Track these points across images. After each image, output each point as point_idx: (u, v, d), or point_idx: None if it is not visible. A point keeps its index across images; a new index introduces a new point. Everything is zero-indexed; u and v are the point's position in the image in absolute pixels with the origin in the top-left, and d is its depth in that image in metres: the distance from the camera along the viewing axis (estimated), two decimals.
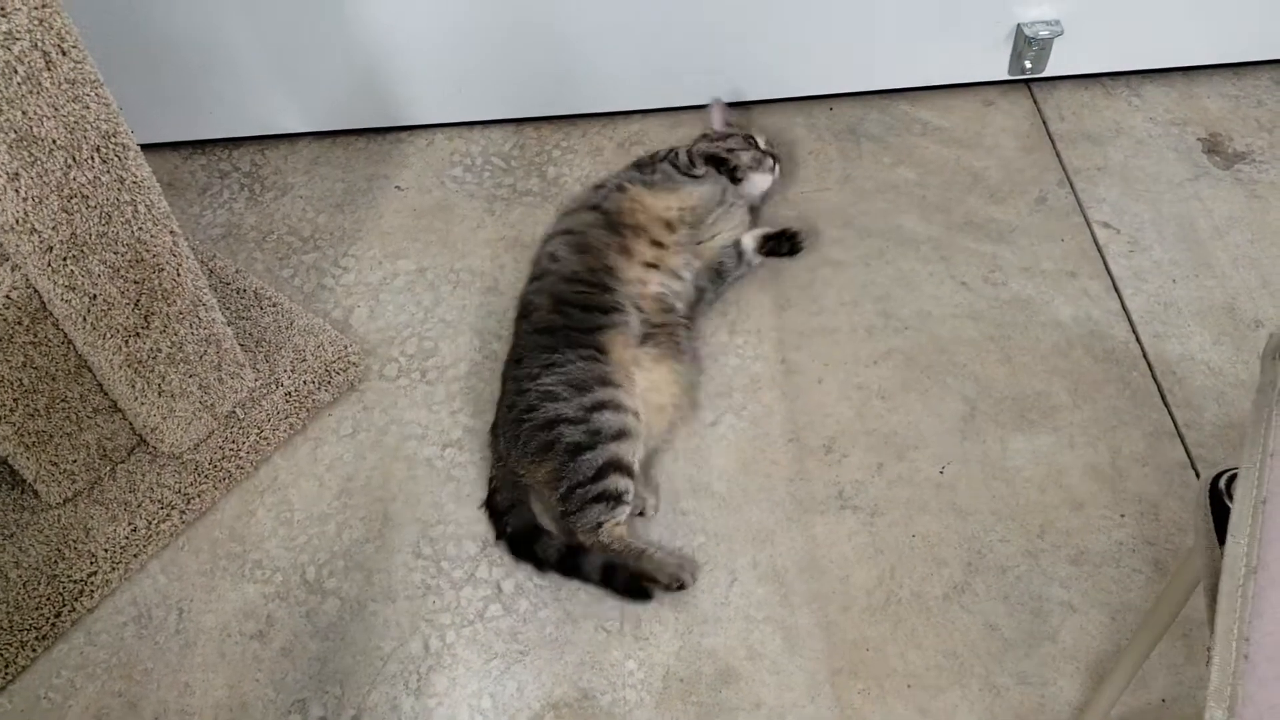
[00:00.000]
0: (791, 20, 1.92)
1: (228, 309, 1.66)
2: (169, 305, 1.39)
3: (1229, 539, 0.70)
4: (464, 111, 2.04)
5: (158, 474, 1.50)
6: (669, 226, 1.67)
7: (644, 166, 1.79)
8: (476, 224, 1.89)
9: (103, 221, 1.25)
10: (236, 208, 1.93)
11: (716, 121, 1.91)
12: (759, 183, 1.83)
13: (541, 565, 1.46)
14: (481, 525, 1.51)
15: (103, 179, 1.23)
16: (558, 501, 1.45)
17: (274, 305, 1.68)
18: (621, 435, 1.47)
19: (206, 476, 1.53)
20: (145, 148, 1.98)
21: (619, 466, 1.45)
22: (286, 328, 1.66)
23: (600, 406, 1.47)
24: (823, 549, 1.47)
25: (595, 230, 1.65)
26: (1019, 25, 1.93)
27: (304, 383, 1.60)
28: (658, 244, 1.65)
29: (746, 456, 1.57)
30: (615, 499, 1.44)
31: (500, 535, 1.48)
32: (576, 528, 1.44)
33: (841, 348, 1.69)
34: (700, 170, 1.77)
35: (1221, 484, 0.89)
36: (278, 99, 1.97)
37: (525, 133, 2.05)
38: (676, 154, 1.79)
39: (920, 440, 1.58)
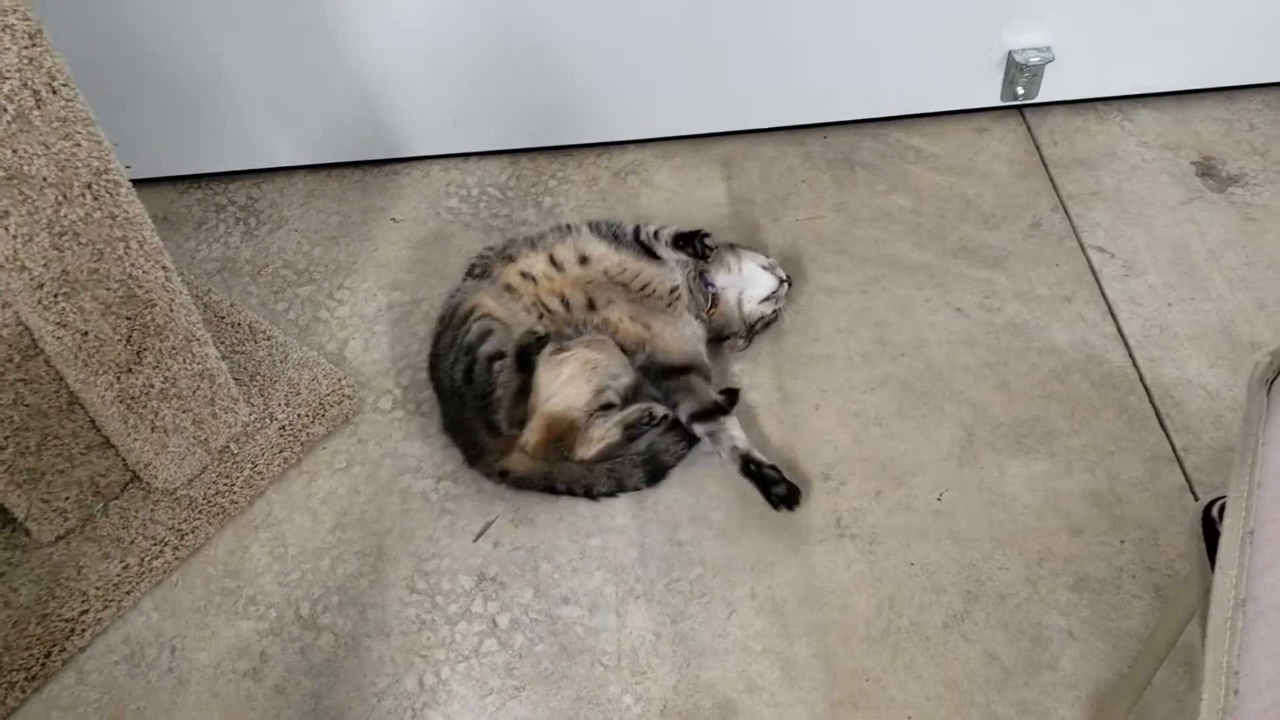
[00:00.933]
0: (785, 50, 1.93)
1: (222, 343, 1.66)
2: (162, 341, 1.38)
3: (1217, 571, 0.69)
4: (460, 143, 2.04)
5: (151, 510, 1.50)
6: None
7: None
8: (472, 255, 1.88)
9: (94, 258, 1.25)
10: (232, 241, 1.94)
11: None
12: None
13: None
14: (478, 559, 1.50)
15: (94, 216, 1.23)
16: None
17: (268, 339, 1.68)
18: (486, 336, 1.55)
19: (200, 512, 1.52)
20: (141, 183, 1.99)
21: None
22: (281, 361, 1.65)
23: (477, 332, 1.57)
24: (821, 578, 1.46)
25: None
26: (1010, 52, 1.94)
27: (298, 416, 1.60)
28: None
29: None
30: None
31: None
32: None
33: (838, 375, 1.69)
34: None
35: (1214, 511, 0.88)
36: (273, 133, 1.97)
37: (521, 164, 2.05)
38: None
39: (918, 467, 1.57)
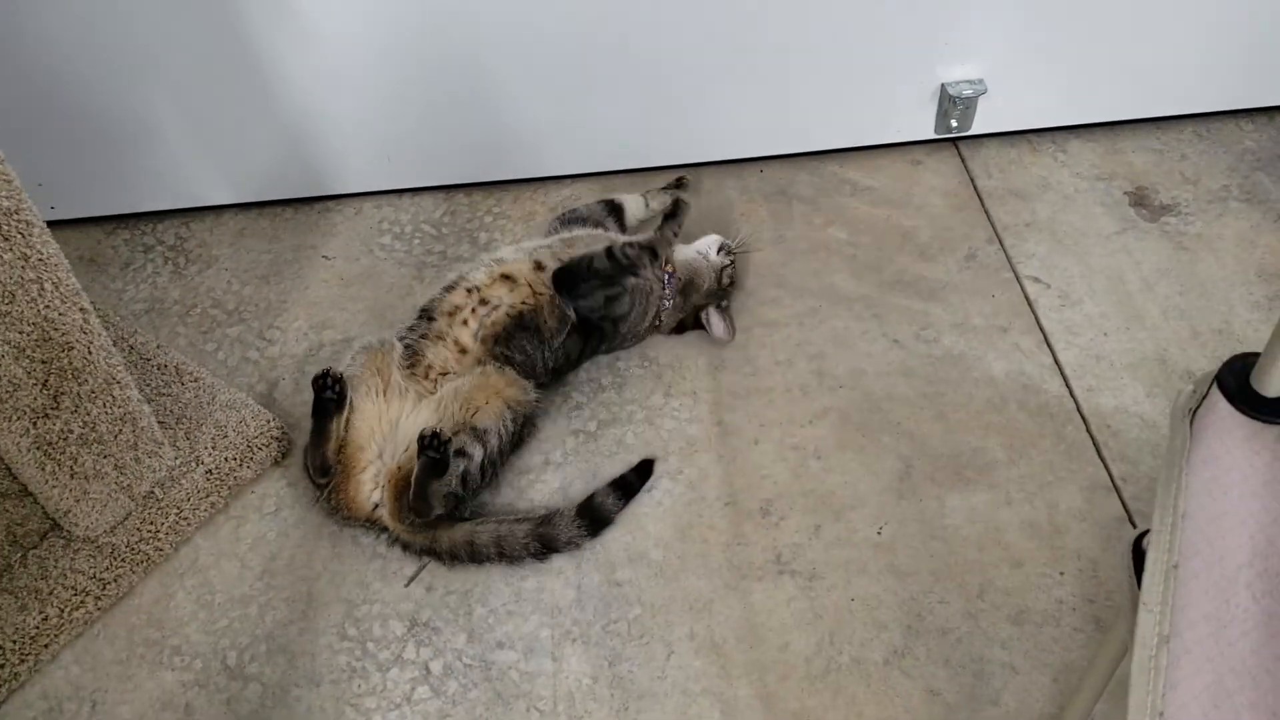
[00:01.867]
0: (721, 85, 1.93)
1: (147, 385, 1.62)
2: (80, 384, 1.34)
3: (1140, 607, 0.68)
4: (393, 180, 2.02)
5: (71, 559, 1.45)
6: None
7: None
8: (405, 291, 1.86)
9: (6, 300, 1.21)
10: (160, 282, 1.89)
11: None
12: None
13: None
14: (410, 604, 1.47)
15: (5, 256, 1.19)
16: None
17: (195, 380, 1.64)
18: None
19: (123, 560, 1.47)
20: (66, 223, 1.97)
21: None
22: (208, 403, 1.61)
23: None
24: (761, 616, 1.44)
25: None
26: (943, 85, 1.95)
27: (225, 460, 1.56)
28: None
29: (683, 522, 1.54)
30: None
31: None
32: None
33: (777, 408, 1.67)
34: None
35: (1145, 543, 0.87)
36: (202, 171, 1.94)
37: (456, 199, 2.03)
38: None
39: (857, 500, 1.56)
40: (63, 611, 1.42)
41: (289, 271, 1.90)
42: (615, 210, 1.85)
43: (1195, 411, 0.77)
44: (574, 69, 1.87)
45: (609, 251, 1.67)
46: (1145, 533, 0.89)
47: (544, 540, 1.49)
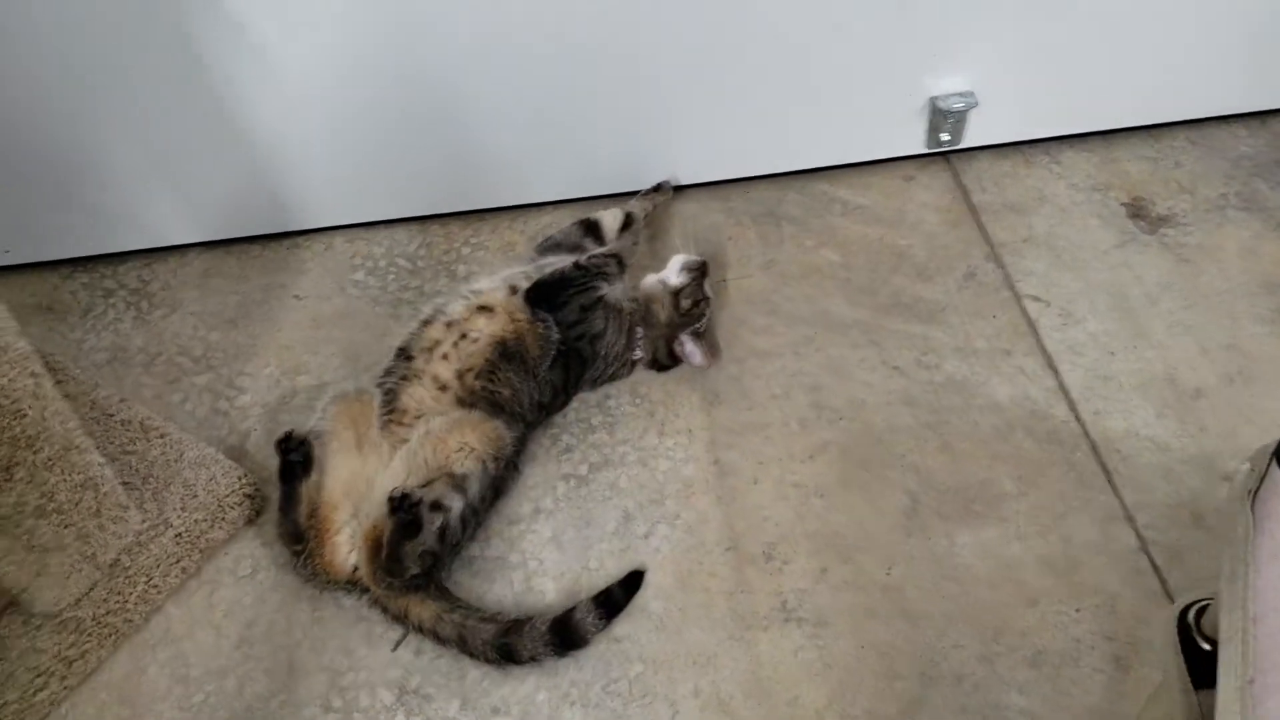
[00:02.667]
0: (704, 104, 1.85)
1: (110, 443, 1.53)
2: (35, 453, 1.25)
3: None
4: (364, 212, 1.93)
5: (32, 638, 1.35)
6: None
7: None
8: (382, 331, 1.77)
9: None
10: (122, 328, 1.80)
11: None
12: None
13: None
14: (398, 670, 1.39)
15: None
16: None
17: (162, 436, 1.55)
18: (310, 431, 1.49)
19: (90, 635, 1.38)
20: (19, 269, 1.87)
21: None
22: (175, 461, 1.53)
23: None
24: (768, 668, 1.37)
25: None
26: (933, 98, 1.89)
27: (196, 521, 1.47)
28: None
29: (683, 570, 1.47)
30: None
31: None
32: None
33: (775, 444, 1.60)
34: None
35: (1190, 617, 0.80)
36: (164, 209, 1.85)
37: (431, 231, 1.94)
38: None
39: (864, 540, 1.49)
40: (23, 695, 1.33)
41: (258, 313, 1.82)
42: (592, 229, 1.78)
43: (1255, 493, 0.70)
44: (552, 91, 1.79)
45: (575, 263, 1.61)
46: (1190, 606, 0.82)
47: (504, 650, 1.37)
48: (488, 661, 1.38)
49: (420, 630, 1.40)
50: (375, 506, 1.41)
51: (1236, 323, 1.72)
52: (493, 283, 1.60)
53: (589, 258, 1.63)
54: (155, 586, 1.44)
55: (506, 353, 1.53)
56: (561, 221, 1.94)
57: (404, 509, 1.35)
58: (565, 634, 1.39)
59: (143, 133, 1.73)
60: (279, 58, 1.68)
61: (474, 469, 1.44)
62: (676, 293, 1.67)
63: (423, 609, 1.40)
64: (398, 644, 1.41)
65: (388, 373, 1.55)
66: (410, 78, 1.74)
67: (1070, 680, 1.34)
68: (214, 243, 1.92)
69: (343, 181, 1.87)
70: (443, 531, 1.39)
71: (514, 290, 1.57)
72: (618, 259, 1.65)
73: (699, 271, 1.69)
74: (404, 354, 1.55)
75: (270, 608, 1.45)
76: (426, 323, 1.56)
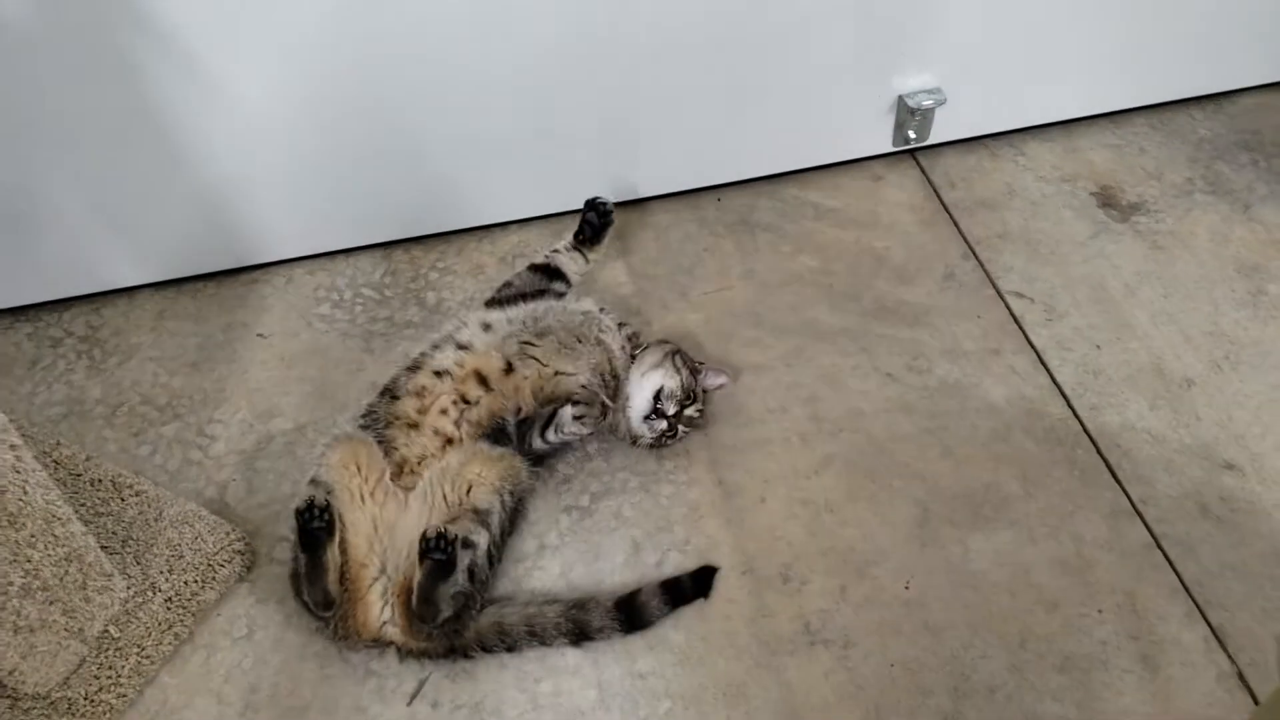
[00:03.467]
0: (668, 113, 1.81)
1: (83, 506, 1.43)
2: (17, 531, 1.16)
3: None
4: (324, 241, 1.85)
5: None
6: None
7: None
8: (355, 366, 1.70)
9: None
10: (76, 379, 1.69)
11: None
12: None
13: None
14: None
15: None
16: None
17: (137, 495, 1.46)
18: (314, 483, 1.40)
19: (83, 715, 1.29)
20: None
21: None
22: (155, 520, 1.43)
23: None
24: (800, 695, 1.34)
25: None
26: (901, 96, 1.87)
27: (185, 583, 1.38)
28: None
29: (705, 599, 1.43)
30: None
31: None
32: None
33: (778, 460, 1.57)
34: None
35: None
36: (109, 250, 1.74)
37: (396, 257, 1.87)
38: None
39: (879, 554, 1.46)
40: None
41: (221, 355, 1.72)
42: (552, 273, 1.70)
43: None
44: (514, 108, 1.73)
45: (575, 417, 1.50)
46: None
47: (576, 626, 1.37)
48: (563, 636, 1.37)
49: (482, 646, 1.36)
50: (404, 557, 1.35)
51: (1217, 308, 1.74)
52: (483, 342, 1.51)
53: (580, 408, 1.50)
54: (148, 656, 1.35)
55: (510, 415, 1.48)
56: (530, 240, 1.89)
57: (439, 549, 1.28)
58: (632, 612, 1.39)
59: (86, 171, 1.63)
60: (229, 88, 1.59)
61: (494, 502, 1.39)
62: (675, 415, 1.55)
63: (479, 624, 1.36)
64: (413, 697, 1.35)
65: (370, 411, 1.48)
66: (366, 103, 1.67)
67: (1102, 684, 1.34)
68: (165, 282, 1.82)
69: (300, 211, 1.78)
70: (471, 570, 1.33)
71: (510, 368, 1.49)
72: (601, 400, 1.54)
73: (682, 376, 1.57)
74: (389, 393, 1.49)
75: (272, 669, 1.37)
76: (414, 368, 1.50)
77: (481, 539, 1.36)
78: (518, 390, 1.48)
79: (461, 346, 1.51)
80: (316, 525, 1.32)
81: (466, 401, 1.46)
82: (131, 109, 1.57)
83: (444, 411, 1.45)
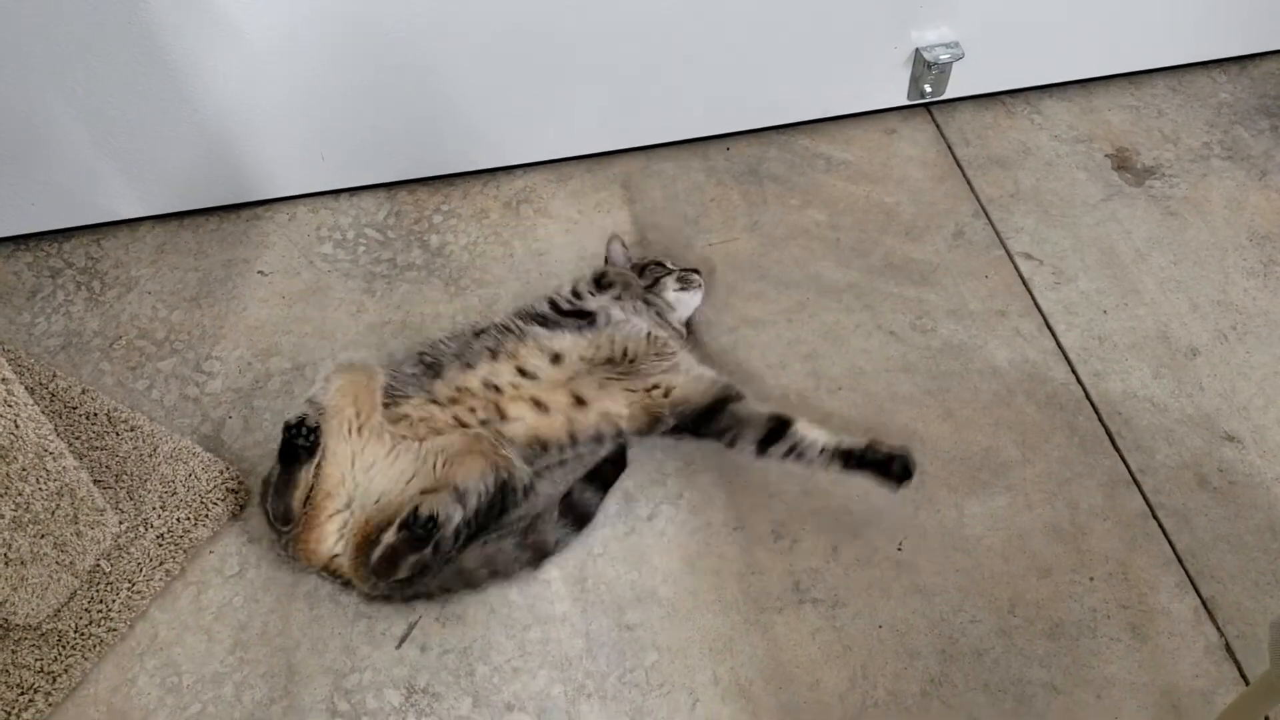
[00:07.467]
0: (679, 58, 1.78)
1: (77, 439, 1.44)
2: (8, 464, 1.16)
3: None
4: (328, 179, 1.83)
5: (13, 652, 1.28)
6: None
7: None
8: (356, 307, 1.69)
9: None
10: (74, 311, 1.69)
11: (617, 258, 1.70)
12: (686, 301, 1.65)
13: None
14: (404, 668, 1.33)
15: None
16: None
17: (132, 429, 1.46)
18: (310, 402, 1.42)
19: (73, 647, 1.30)
20: None
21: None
22: (150, 455, 1.44)
23: None
24: (787, 652, 1.34)
25: None
26: (918, 50, 1.83)
27: (177, 520, 1.39)
28: None
29: (690, 552, 1.43)
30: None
31: None
32: None
33: None
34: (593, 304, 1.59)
35: None
36: (111, 181, 1.72)
37: (400, 198, 1.85)
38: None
39: (873, 515, 1.46)
40: (9, 714, 1.25)
41: (221, 291, 1.71)
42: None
43: None
44: (521, 48, 1.70)
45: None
46: None
47: (536, 548, 1.39)
48: (525, 565, 1.40)
49: (444, 589, 1.38)
50: (371, 500, 1.35)
51: (1227, 277, 1.71)
52: (551, 372, 1.48)
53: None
54: (138, 591, 1.36)
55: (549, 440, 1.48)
56: (535, 184, 1.87)
57: (423, 528, 1.29)
58: (574, 511, 1.44)
59: (88, 100, 1.61)
60: (235, 16, 1.56)
61: (476, 486, 1.38)
62: None
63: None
64: (402, 640, 1.35)
65: (401, 371, 1.48)
66: (374, 37, 1.64)
67: (1089, 651, 1.34)
68: (166, 216, 1.81)
69: (304, 148, 1.76)
70: (437, 544, 1.33)
71: (579, 401, 1.46)
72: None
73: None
74: (432, 370, 1.48)
75: (264, 608, 1.38)
76: (467, 366, 1.47)
77: (455, 515, 1.34)
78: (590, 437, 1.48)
79: (521, 370, 1.47)
80: (301, 443, 1.33)
81: (503, 415, 1.44)
82: (136, 37, 1.55)
83: (472, 410, 1.44)
